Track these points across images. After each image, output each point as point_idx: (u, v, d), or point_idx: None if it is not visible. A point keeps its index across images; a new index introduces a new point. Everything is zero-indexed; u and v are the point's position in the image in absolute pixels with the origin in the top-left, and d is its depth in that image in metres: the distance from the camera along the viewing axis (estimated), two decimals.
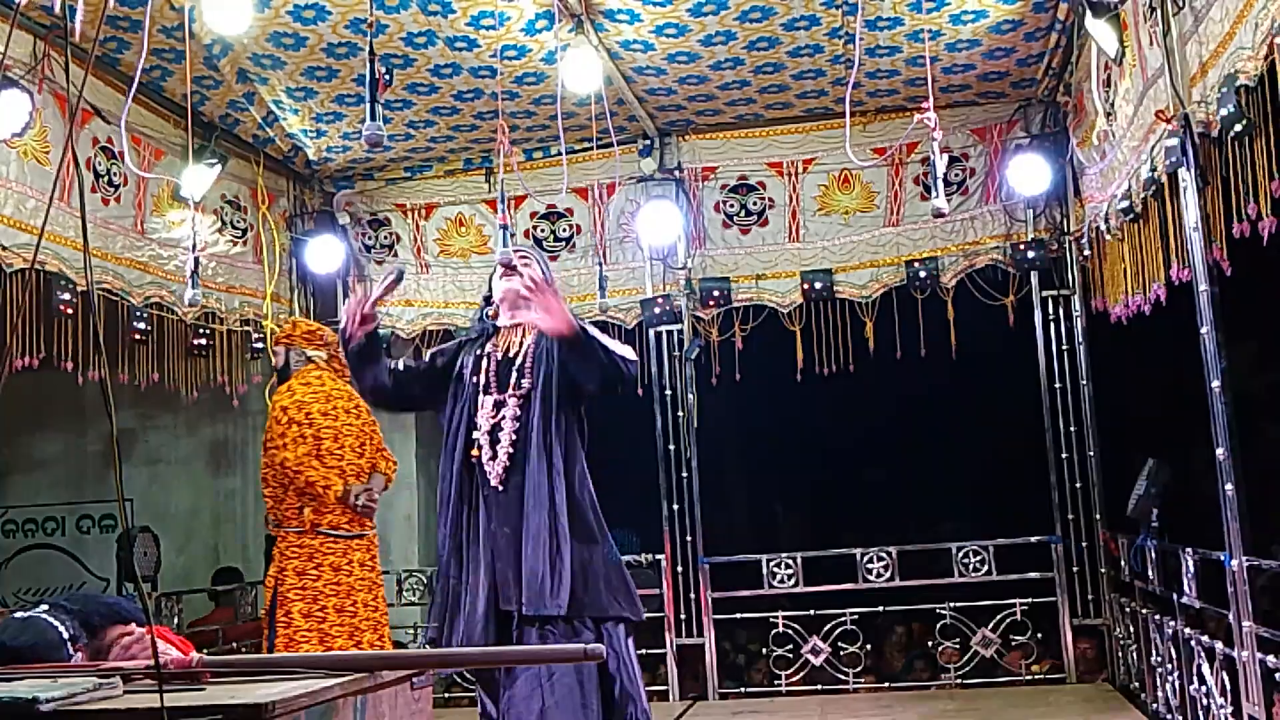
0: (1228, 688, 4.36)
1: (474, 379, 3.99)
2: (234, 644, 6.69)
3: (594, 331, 3.82)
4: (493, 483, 3.85)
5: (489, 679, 3.88)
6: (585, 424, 4.04)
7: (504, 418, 3.91)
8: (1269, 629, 4.06)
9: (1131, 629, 5.91)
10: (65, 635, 3.24)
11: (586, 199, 7.12)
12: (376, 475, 5.65)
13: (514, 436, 3.88)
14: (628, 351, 3.89)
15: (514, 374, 3.95)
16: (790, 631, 6.83)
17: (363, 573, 5.50)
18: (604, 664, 3.79)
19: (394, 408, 4.68)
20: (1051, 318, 6.73)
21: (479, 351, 4.06)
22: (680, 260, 6.99)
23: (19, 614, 3.31)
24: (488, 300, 4.20)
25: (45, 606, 3.38)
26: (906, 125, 6.38)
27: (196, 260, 5.19)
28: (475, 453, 3.90)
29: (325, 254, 7.04)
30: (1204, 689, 4.60)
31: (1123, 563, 5.99)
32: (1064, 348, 6.70)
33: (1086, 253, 6.33)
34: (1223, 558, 4.26)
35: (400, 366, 4.10)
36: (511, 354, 4.01)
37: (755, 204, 6.99)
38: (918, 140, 6.61)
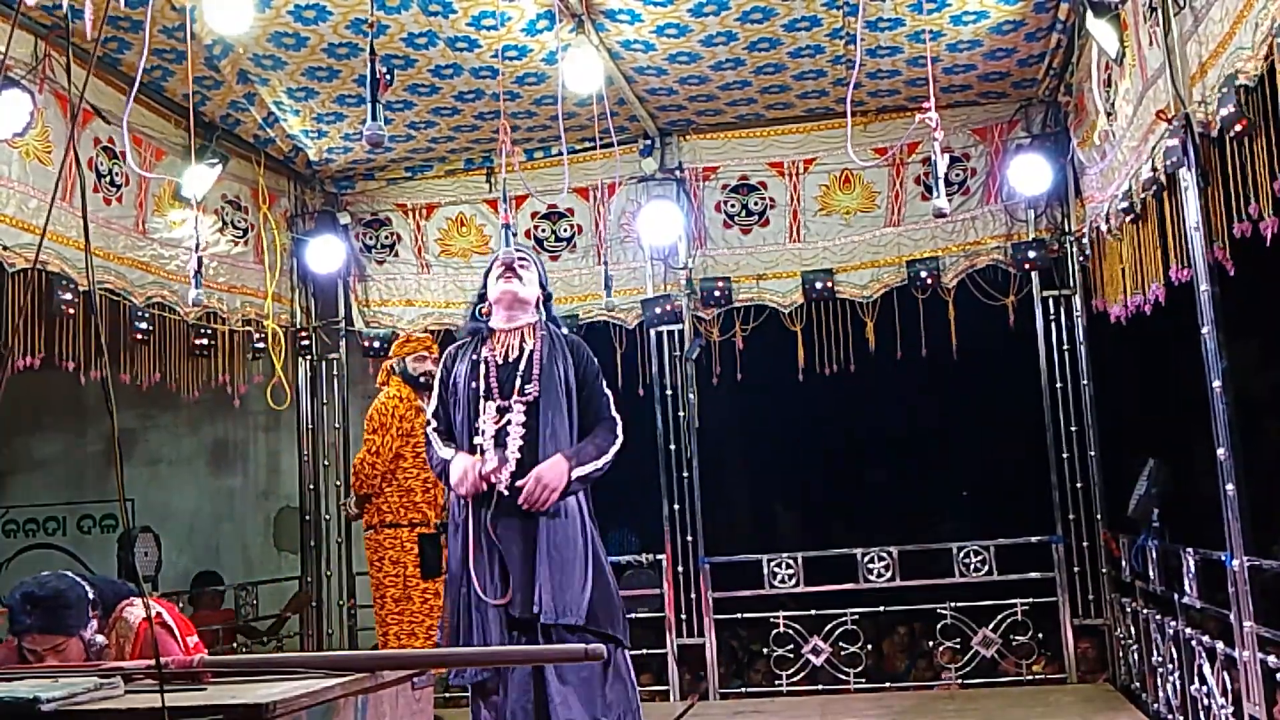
0: (1229, 688, 4.36)
1: (472, 384, 3.94)
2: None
3: (584, 460, 3.87)
4: (499, 489, 3.83)
5: (492, 688, 3.85)
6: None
7: (509, 423, 3.88)
8: (1269, 629, 4.06)
9: (1132, 629, 5.91)
10: (90, 595, 3.33)
11: (587, 199, 7.12)
12: None
13: (521, 442, 3.85)
14: (616, 425, 3.99)
15: (518, 380, 3.91)
16: (791, 631, 6.83)
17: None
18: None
19: None
20: (1052, 318, 6.72)
21: (474, 356, 4.01)
22: (681, 260, 6.99)
23: (45, 573, 3.39)
24: (481, 298, 4.17)
25: (68, 571, 3.47)
26: (907, 125, 6.38)
27: (200, 260, 5.19)
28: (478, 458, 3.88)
29: (326, 254, 7.05)
30: (1205, 689, 4.60)
31: (1123, 563, 5.98)
32: (1064, 348, 6.69)
33: (1087, 253, 6.33)
34: (1223, 558, 4.26)
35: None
36: (511, 358, 3.97)
37: (756, 204, 6.99)
38: (919, 140, 6.61)
